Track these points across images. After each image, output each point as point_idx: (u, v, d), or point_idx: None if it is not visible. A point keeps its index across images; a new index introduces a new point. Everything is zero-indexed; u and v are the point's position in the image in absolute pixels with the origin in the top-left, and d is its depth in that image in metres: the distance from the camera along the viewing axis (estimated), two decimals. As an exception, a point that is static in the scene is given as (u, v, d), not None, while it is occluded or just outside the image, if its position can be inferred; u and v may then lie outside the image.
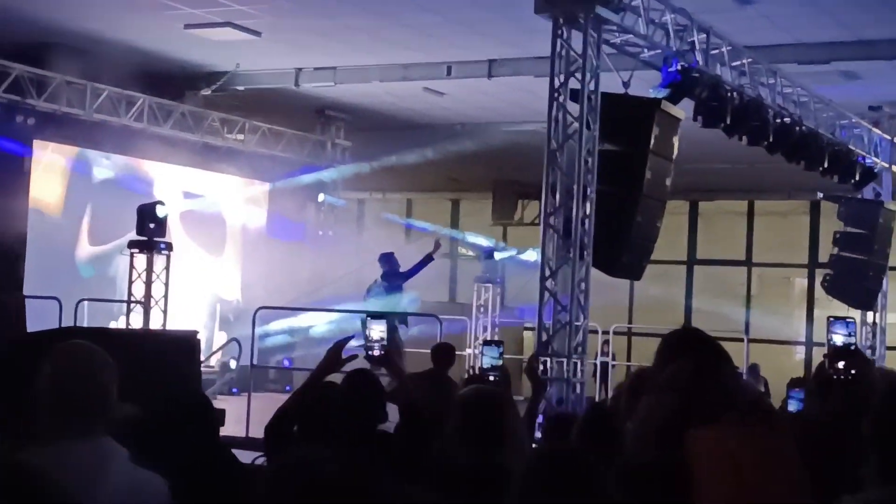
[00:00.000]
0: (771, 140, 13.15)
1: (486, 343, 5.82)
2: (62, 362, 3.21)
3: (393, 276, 15.30)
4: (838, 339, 4.10)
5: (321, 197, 20.42)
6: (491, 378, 5.62)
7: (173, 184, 18.46)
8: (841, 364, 4.01)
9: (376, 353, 5.09)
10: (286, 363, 18.98)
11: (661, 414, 3.71)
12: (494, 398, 4.56)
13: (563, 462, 3.04)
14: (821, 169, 14.73)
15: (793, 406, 5.06)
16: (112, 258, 17.37)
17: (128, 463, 3.22)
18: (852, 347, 4.06)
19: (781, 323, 22.99)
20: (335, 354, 5.05)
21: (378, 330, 5.11)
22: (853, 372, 3.97)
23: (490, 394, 4.63)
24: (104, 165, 17.40)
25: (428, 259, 15.62)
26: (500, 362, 5.74)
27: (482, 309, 20.83)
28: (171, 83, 17.66)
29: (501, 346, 5.91)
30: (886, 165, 17.14)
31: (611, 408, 5.14)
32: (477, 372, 5.84)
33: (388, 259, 15.37)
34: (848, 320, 4.20)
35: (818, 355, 20.92)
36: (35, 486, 2.55)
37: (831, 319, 4.18)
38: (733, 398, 3.56)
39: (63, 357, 3.23)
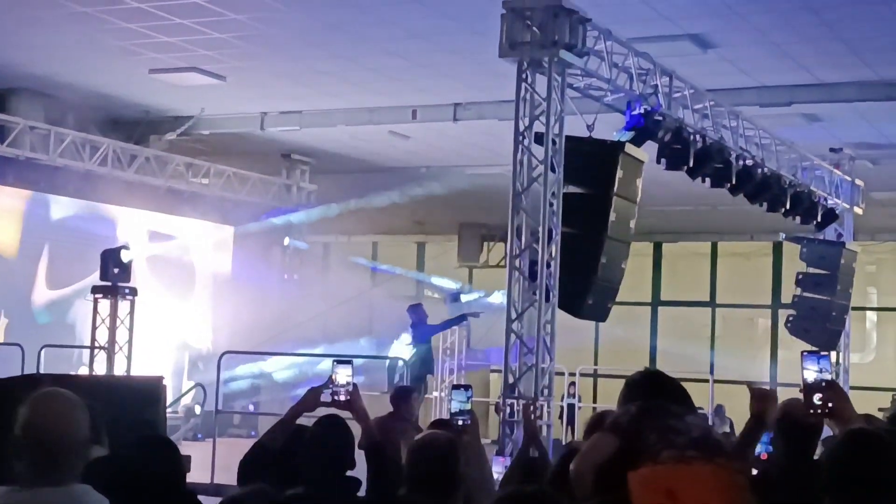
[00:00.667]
0: (733, 182, 13.24)
1: (455, 387, 5.80)
2: (40, 411, 3.18)
3: (421, 327, 15.34)
4: (811, 374, 4.08)
5: (286, 241, 20.39)
6: (459, 422, 5.61)
7: (137, 228, 18.39)
8: (817, 398, 4.00)
9: (342, 397, 5.09)
10: (251, 408, 18.86)
11: (598, 454, 3.73)
12: (444, 444, 4.56)
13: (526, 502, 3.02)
14: (783, 210, 14.84)
15: (760, 448, 5.04)
16: (71, 303, 17.22)
17: None
18: (827, 380, 4.05)
19: (745, 363, 23.09)
20: (311, 396, 5.13)
21: (344, 374, 5.11)
22: (830, 406, 3.96)
23: (439, 440, 4.62)
24: (62, 206, 17.25)
25: (461, 318, 15.68)
26: (469, 406, 5.73)
27: (448, 351, 20.80)
28: (136, 128, 17.63)
29: (470, 389, 5.89)
30: (848, 207, 17.31)
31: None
32: (447, 416, 5.83)
33: (415, 310, 15.43)
34: (821, 354, 4.19)
35: (783, 395, 21.05)
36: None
37: (804, 354, 4.17)
38: (677, 438, 3.56)
39: (41, 406, 3.21)
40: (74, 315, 17.25)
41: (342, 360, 5.15)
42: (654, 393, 4.00)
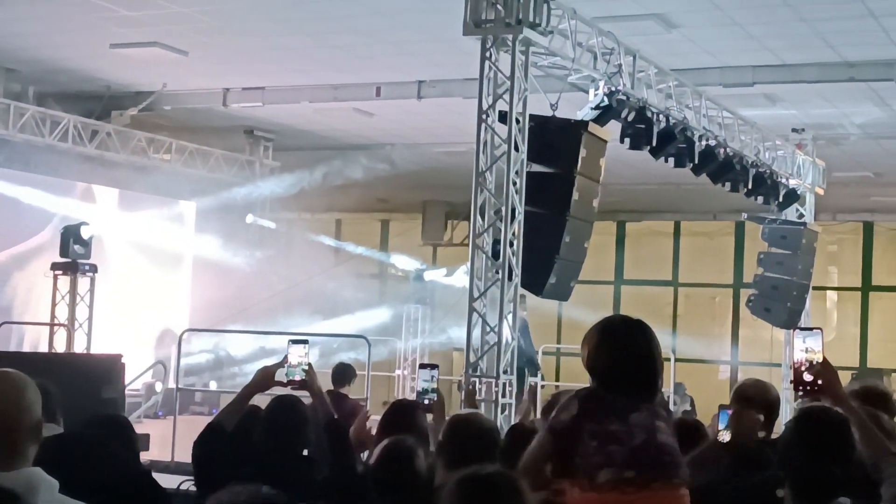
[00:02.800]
0: (696, 162, 13.29)
1: (422, 366, 5.84)
2: None
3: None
4: (802, 353, 4.08)
5: (249, 217, 20.27)
6: (426, 401, 5.66)
7: (98, 204, 18.23)
8: (808, 377, 4.01)
9: (297, 377, 5.08)
10: (212, 385, 18.80)
11: (538, 456, 3.72)
12: (407, 449, 4.57)
13: (486, 485, 2.99)
14: (745, 190, 14.91)
15: (723, 425, 5.06)
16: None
17: (57, 494, 3.15)
18: (818, 360, 4.05)
19: (707, 342, 23.24)
20: (264, 375, 5.10)
21: (297, 354, 5.09)
22: (819, 384, 3.97)
23: (403, 444, 4.64)
24: (21, 180, 17.05)
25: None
26: (435, 385, 5.77)
27: (411, 329, 20.81)
28: (97, 103, 17.46)
29: (436, 368, 5.92)
30: (809, 187, 17.42)
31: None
32: (411, 394, 5.89)
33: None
34: (813, 331, 4.17)
35: (744, 374, 21.20)
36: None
37: (797, 331, 4.16)
38: (617, 450, 3.52)
39: None
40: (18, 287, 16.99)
41: (297, 340, 5.13)
42: (627, 343, 3.91)
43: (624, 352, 3.88)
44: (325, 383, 10.18)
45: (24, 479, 3.04)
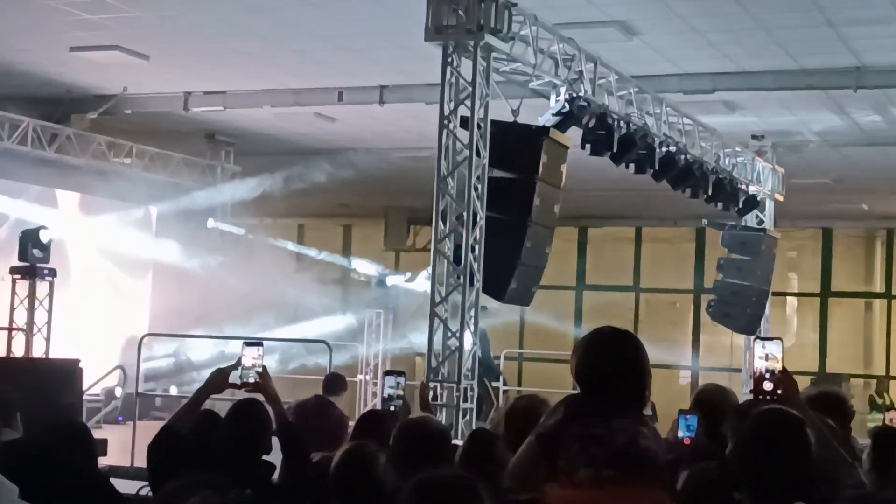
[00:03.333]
0: (657, 168, 13.36)
1: (387, 373, 5.85)
2: None
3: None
4: (761, 361, 4.13)
5: (210, 222, 20.18)
6: (392, 408, 5.67)
7: (58, 208, 18.09)
8: (768, 386, 4.05)
9: (251, 379, 5.08)
10: (173, 391, 18.69)
11: (525, 464, 3.73)
12: (367, 455, 4.58)
13: (443, 488, 2.98)
14: (705, 196, 15.02)
15: (682, 432, 5.10)
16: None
17: (17, 500, 3.14)
18: (778, 369, 4.09)
19: (668, 348, 23.36)
20: (219, 377, 5.10)
21: (251, 356, 5.09)
22: (779, 392, 4.02)
23: (363, 450, 4.65)
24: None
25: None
26: (401, 391, 5.78)
27: (374, 335, 20.78)
28: (57, 106, 17.33)
29: (402, 376, 5.93)
30: (769, 193, 17.56)
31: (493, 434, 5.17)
32: (376, 401, 5.90)
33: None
34: (772, 340, 4.23)
35: (704, 379, 21.31)
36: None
37: (756, 339, 4.22)
38: (598, 451, 3.54)
39: None
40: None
41: (251, 342, 5.12)
42: (613, 350, 3.91)
43: (609, 359, 3.88)
44: (316, 389, 10.25)
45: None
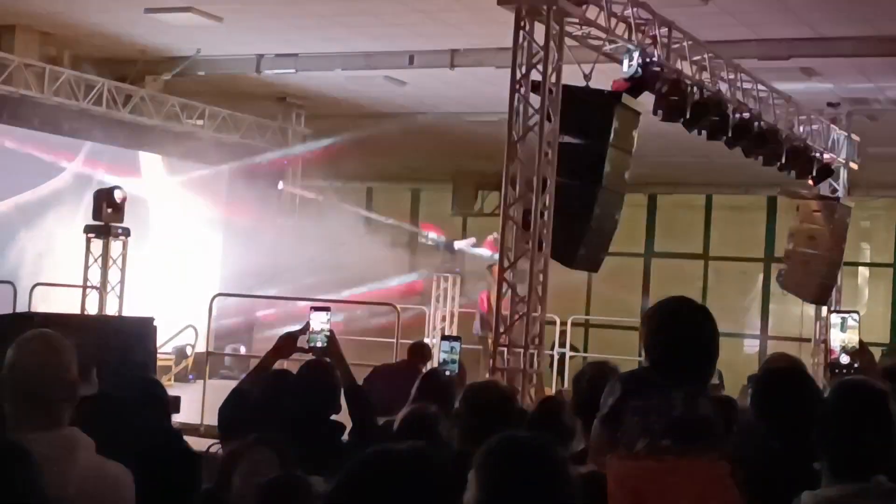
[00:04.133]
0: (730, 135, 13.22)
1: (444, 338, 5.87)
2: (27, 354, 3.16)
3: None
4: (838, 335, 4.09)
5: (281, 184, 20.33)
6: (447, 372, 5.68)
7: (132, 168, 18.31)
8: (845, 359, 4.01)
9: (319, 344, 5.12)
10: (242, 350, 18.92)
11: (593, 443, 3.74)
12: (430, 416, 4.62)
13: (530, 451, 2.87)
14: (779, 164, 14.84)
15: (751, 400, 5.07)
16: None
17: (94, 454, 3.19)
18: (855, 342, 4.04)
19: (737, 316, 23.16)
20: (287, 341, 5.15)
21: (319, 321, 5.13)
22: (856, 366, 3.97)
23: (425, 411, 4.68)
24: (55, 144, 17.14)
25: None
26: (457, 356, 5.79)
27: (440, 298, 20.82)
28: (132, 67, 17.51)
29: (458, 340, 5.95)
30: (843, 162, 17.30)
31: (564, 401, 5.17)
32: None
33: None
34: (848, 313, 4.17)
35: (773, 348, 21.12)
36: (24, 467, 2.53)
37: (832, 313, 4.18)
38: (656, 421, 3.51)
39: (27, 348, 3.19)
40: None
41: (319, 307, 5.17)
42: (690, 331, 3.86)
43: (681, 334, 3.82)
44: (383, 352, 10.36)
45: (64, 440, 3.08)
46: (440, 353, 5.83)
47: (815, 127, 16.10)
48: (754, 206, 23.66)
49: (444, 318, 19.82)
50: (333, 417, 5.22)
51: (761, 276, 23.79)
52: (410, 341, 11.78)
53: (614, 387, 3.73)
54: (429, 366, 10.47)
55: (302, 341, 5.18)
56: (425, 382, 5.91)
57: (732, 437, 4.62)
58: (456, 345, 5.83)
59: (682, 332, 3.75)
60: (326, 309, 5.19)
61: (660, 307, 3.86)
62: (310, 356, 5.25)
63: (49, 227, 17.05)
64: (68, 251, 16.67)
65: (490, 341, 15.87)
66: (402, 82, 17.38)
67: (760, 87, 14.17)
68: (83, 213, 16.54)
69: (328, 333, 5.13)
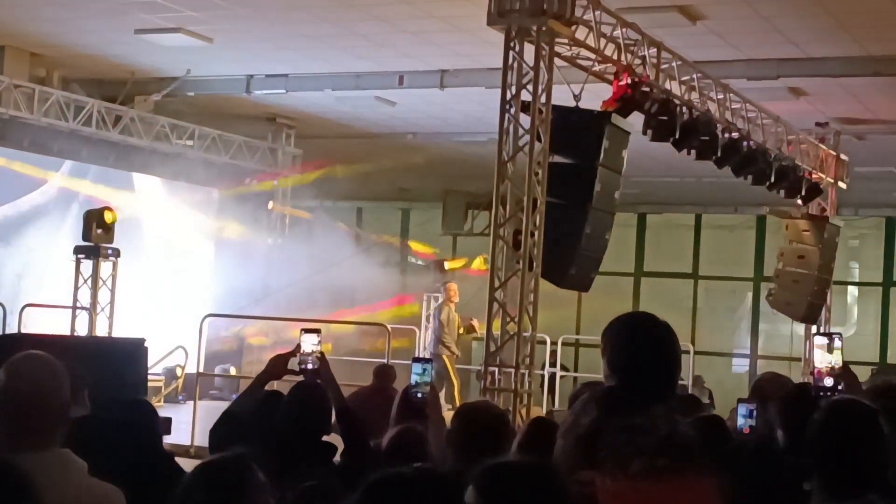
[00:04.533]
0: (719, 154, 13.26)
1: (415, 360, 5.79)
2: (18, 376, 3.16)
3: None
4: (822, 357, 4.09)
5: (270, 204, 20.33)
6: (419, 395, 5.60)
7: (121, 189, 18.30)
8: (828, 382, 4.02)
9: (309, 366, 5.12)
10: (232, 371, 18.88)
11: (560, 461, 3.69)
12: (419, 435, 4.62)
13: (534, 474, 2.86)
14: (768, 184, 14.88)
15: (740, 422, 5.07)
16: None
17: (86, 475, 3.19)
18: (838, 365, 4.05)
19: (727, 336, 23.20)
20: (277, 363, 5.15)
21: (310, 343, 5.13)
22: (840, 388, 3.98)
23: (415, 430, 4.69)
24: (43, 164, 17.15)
25: None
26: (428, 378, 5.71)
27: (430, 318, 20.80)
28: (121, 88, 17.51)
29: (429, 362, 5.88)
30: (832, 181, 17.35)
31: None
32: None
33: None
34: (833, 335, 4.18)
35: (763, 368, 21.15)
36: (20, 487, 2.52)
37: (816, 334, 4.20)
38: (646, 440, 3.49)
39: (18, 370, 3.18)
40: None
41: (309, 329, 5.16)
42: (655, 343, 3.84)
43: (649, 348, 3.82)
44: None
45: (56, 461, 3.08)
46: (411, 376, 5.74)
47: (803, 146, 16.15)
48: (743, 225, 23.74)
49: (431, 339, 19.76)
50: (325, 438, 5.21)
51: (751, 295, 23.84)
52: (407, 362, 11.76)
53: (587, 406, 3.69)
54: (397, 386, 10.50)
55: (293, 363, 5.17)
56: (404, 404, 5.85)
57: (728, 454, 4.62)
58: (428, 367, 5.78)
59: (653, 346, 3.75)
60: (317, 331, 5.19)
61: (625, 323, 3.84)
62: (301, 378, 5.24)
63: (30, 244, 17.04)
64: (52, 270, 16.68)
65: (445, 357, 16.06)
66: (392, 102, 17.41)
67: (749, 106, 14.22)
68: (68, 231, 16.54)
69: (319, 355, 5.13)
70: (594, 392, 3.80)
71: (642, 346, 3.74)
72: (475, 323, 16.20)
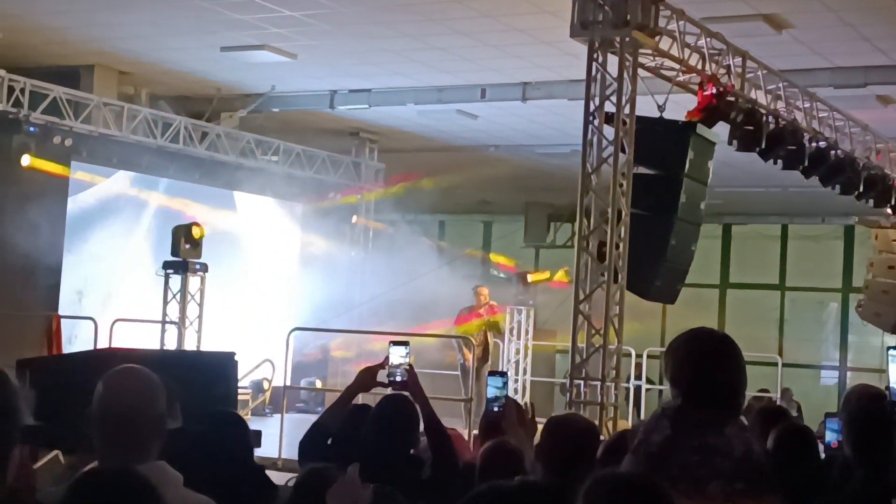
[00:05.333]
0: (806, 164, 13.10)
1: (491, 374, 5.75)
2: (116, 389, 3.22)
3: None
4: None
5: (354, 218, 20.47)
6: (495, 408, 5.56)
7: (209, 204, 18.54)
8: None
9: (398, 378, 5.14)
10: (318, 384, 19.01)
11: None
12: (513, 450, 4.62)
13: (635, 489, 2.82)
14: (856, 193, 14.66)
15: (830, 436, 5.00)
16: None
17: (182, 487, 3.24)
18: None
19: (815, 347, 22.84)
20: (366, 376, 5.18)
21: (398, 355, 5.15)
22: None
23: (508, 445, 4.68)
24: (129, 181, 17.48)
25: None
26: (504, 391, 5.67)
27: (514, 331, 20.77)
28: (207, 105, 17.77)
29: (505, 376, 5.86)
30: (922, 190, 17.01)
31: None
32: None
33: None
34: None
35: (853, 380, 20.80)
36: (150, 496, 2.58)
37: (889, 349, 4.08)
38: (722, 462, 3.43)
39: (116, 384, 3.24)
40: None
41: (398, 342, 5.18)
42: (717, 358, 3.79)
43: (714, 367, 3.76)
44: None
45: (153, 473, 3.12)
46: (488, 389, 5.72)
47: (892, 155, 15.88)
48: (831, 235, 23.37)
49: (518, 352, 19.77)
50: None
51: (839, 307, 23.46)
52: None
53: (660, 423, 3.63)
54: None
55: (381, 375, 5.20)
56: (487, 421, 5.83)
57: (814, 469, 4.56)
58: (504, 379, 5.76)
59: (712, 359, 3.69)
60: (405, 343, 5.21)
61: (684, 338, 3.77)
62: (389, 390, 5.26)
63: (93, 251, 17.30)
64: (137, 285, 16.99)
65: (467, 362, 15.91)
66: (474, 116, 17.45)
67: (836, 115, 14.02)
68: (140, 241, 16.85)
69: (407, 367, 5.14)
70: (665, 409, 3.73)
71: (700, 359, 3.68)
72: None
